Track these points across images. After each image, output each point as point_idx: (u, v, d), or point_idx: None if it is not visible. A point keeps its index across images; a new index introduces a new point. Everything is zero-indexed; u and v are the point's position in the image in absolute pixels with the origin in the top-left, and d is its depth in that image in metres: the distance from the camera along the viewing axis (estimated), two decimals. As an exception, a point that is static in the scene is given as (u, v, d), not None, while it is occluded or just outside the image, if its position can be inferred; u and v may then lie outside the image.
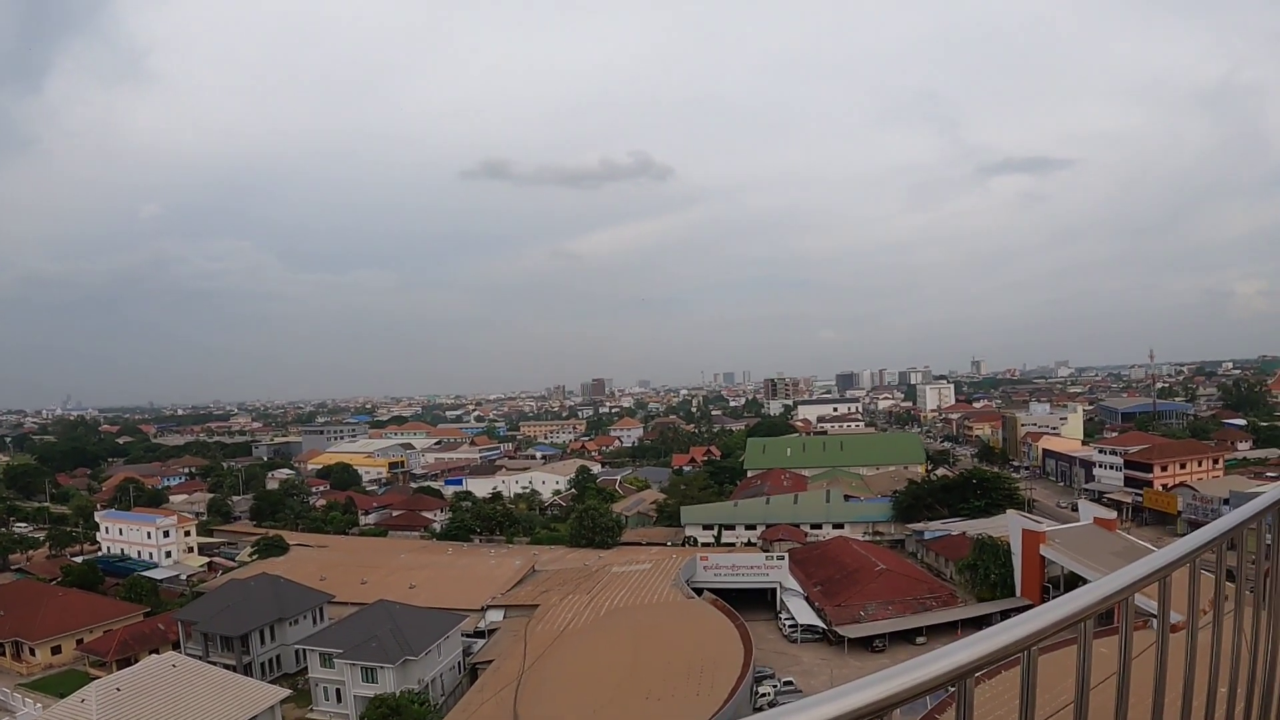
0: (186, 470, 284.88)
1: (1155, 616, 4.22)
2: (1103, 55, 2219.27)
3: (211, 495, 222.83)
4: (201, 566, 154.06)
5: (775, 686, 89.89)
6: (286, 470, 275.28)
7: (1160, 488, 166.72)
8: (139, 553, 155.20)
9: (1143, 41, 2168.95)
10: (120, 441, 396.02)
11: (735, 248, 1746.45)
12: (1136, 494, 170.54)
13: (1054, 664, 4.31)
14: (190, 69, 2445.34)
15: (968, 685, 2.93)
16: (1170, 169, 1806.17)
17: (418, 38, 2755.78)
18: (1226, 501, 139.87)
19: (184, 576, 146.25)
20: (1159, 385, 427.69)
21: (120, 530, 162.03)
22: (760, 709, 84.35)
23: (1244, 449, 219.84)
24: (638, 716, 74.42)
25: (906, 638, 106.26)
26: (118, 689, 72.54)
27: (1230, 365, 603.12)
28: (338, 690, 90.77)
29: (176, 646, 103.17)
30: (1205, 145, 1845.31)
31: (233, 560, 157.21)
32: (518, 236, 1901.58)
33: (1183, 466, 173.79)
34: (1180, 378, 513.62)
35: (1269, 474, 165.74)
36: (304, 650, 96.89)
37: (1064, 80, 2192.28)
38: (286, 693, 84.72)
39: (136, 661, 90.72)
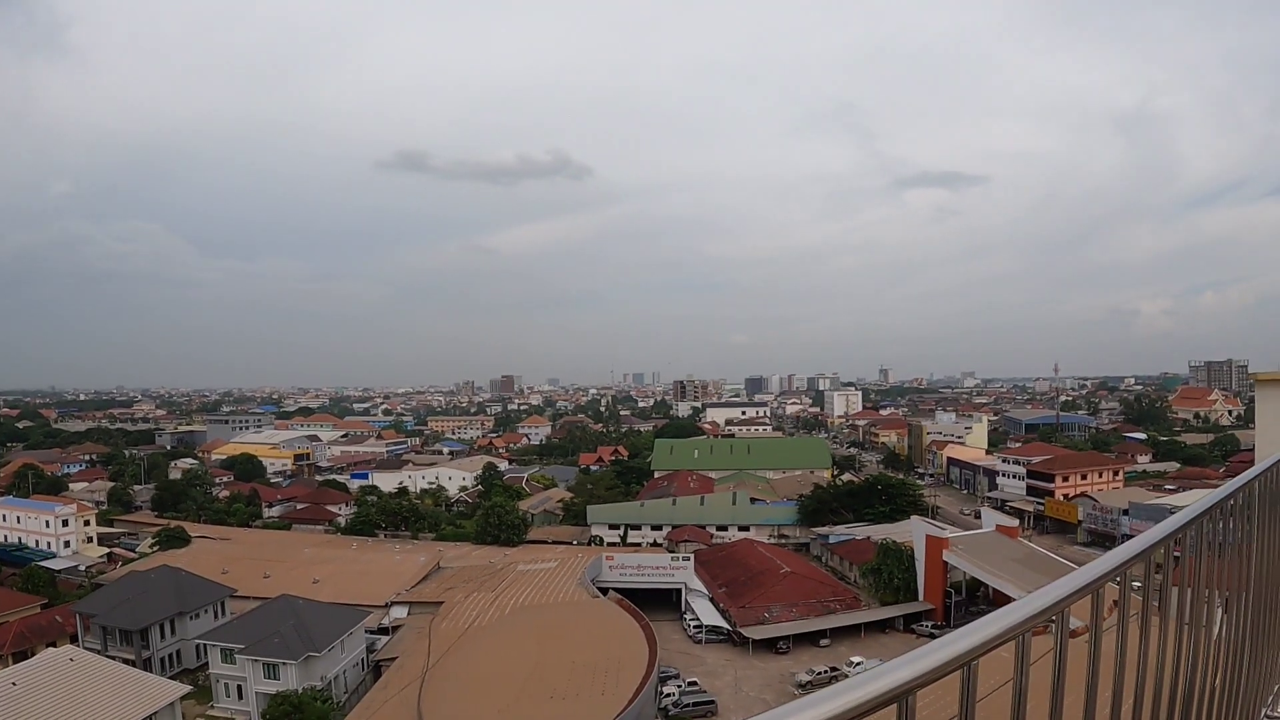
0: (87, 457, 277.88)
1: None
2: (1020, 76, 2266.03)
3: (112, 484, 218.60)
4: (101, 557, 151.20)
5: (680, 687, 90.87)
6: (190, 460, 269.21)
7: (1061, 497, 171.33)
8: (36, 542, 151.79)
9: (1060, 64, 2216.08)
10: (19, 426, 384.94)
11: (649, 249, 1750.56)
12: (1038, 503, 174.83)
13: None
14: (108, 44, 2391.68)
15: (909, 702, 2.92)
16: (1081, 189, 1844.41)
17: (336, 24, 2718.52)
18: (1126, 512, 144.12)
19: (83, 567, 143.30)
20: (1062, 398, 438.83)
21: (18, 518, 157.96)
22: (665, 709, 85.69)
23: (1144, 462, 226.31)
24: (542, 716, 75.02)
25: (811, 639, 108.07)
26: (13, 683, 71.36)
27: (1132, 381, 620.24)
28: (239, 686, 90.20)
29: (74, 640, 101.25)
30: (1116, 168, 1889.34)
31: (133, 551, 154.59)
32: (431, 230, 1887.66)
33: (1084, 477, 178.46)
34: (1083, 392, 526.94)
35: (1167, 486, 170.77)
36: (205, 645, 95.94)
37: (981, 98, 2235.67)
38: (187, 689, 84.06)
39: (33, 655, 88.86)
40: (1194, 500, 6.07)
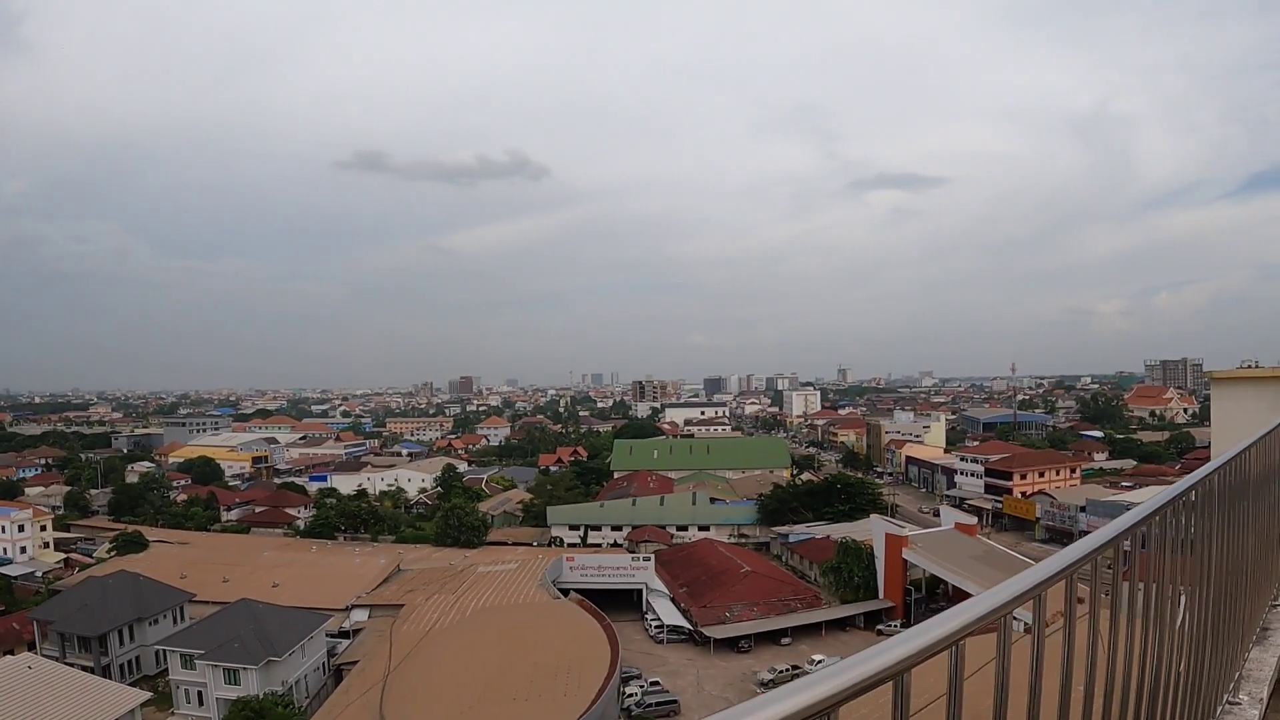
0: (43, 461, 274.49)
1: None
2: (979, 78, 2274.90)
3: (69, 488, 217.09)
4: (58, 563, 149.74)
5: (642, 687, 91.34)
6: (147, 463, 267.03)
7: (1019, 495, 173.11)
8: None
9: (1019, 67, 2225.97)
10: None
11: (609, 250, 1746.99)
12: (996, 501, 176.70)
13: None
14: (64, 40, 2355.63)
15: (904, 680, 3.02)
16: (1039, 191, 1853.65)
17: (293, 23, 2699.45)
18: (1083, 509, 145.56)
19: (39, 573, 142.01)
20: (1020, 397, 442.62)
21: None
22: (627, 709, 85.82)
23: (1100, 459, 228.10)
24: (505, 718, 75.05)
25: (772, 638, 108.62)
26: (-30, 691, 70.82)
27: (1089, 380, 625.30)
28: (199, 692, 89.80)
29: (32, 647, 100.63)
30: (1074, 170, 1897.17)
31: (90, 557, 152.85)
32: (390, 230, 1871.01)
33: (1041, 475, 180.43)
34: (1041, 391, 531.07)
35: (1124, 483, 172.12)
36: (164, 651, 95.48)
37: (940, 100, 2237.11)
38: (147, 695, 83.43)
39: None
40: (1150, 497, 6.23)
